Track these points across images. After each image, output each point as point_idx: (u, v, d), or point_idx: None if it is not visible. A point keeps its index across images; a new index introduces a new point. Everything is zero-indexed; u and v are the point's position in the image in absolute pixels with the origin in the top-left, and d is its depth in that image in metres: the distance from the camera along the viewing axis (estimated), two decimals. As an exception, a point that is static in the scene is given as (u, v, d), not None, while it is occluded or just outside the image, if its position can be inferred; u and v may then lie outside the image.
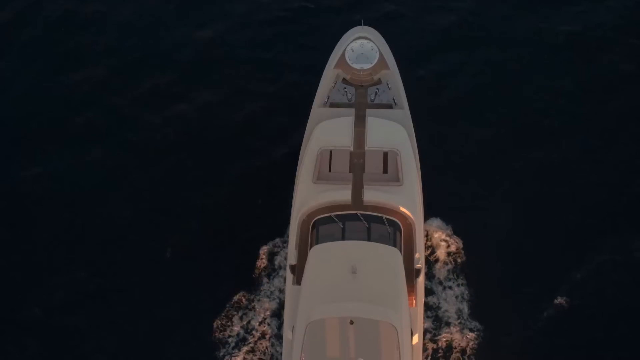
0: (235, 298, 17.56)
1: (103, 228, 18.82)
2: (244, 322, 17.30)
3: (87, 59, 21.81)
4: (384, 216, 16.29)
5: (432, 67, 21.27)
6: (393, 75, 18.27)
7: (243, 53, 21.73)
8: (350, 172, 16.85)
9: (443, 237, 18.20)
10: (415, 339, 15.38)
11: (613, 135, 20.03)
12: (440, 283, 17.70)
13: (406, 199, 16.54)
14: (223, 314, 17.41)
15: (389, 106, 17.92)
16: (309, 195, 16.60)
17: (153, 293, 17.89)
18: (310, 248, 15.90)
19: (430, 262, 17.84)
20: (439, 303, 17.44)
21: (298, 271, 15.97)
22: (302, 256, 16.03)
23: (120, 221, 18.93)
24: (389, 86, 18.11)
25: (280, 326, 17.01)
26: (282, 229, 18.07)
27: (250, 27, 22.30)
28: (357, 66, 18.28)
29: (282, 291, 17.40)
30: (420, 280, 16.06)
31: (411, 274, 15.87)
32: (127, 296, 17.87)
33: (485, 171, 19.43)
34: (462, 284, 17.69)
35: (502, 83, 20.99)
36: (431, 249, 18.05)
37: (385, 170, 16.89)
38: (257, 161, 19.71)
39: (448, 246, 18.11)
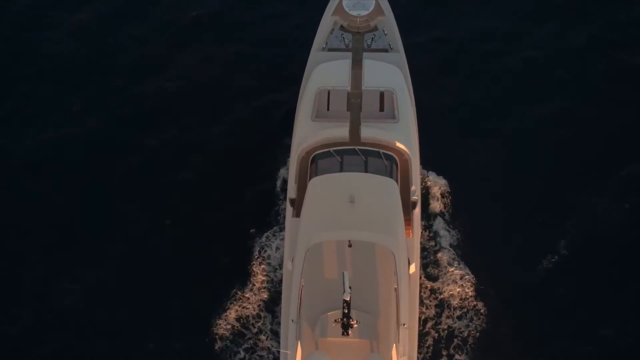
0: (233, 288, 17.40)
1: (95, 212, 18.67)
2: (240, 316, 17.14)
3: (79, 34, 21.68)
4: (381, 150, 16.72)
5: (431, 21, 21.60)
6: (389, 22, 18.72)
7: (240, 8, 21.95)
8: (347, 110, 17.30)
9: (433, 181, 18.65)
10: (412, 268, 15.74)
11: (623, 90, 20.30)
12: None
13: (402, 135, 16.98)
14: (219, 307, 17.18)
15: (385, 51, 18.38)
16: (308, 132, 17.02)
17: (148, 283, 17.62)
18: (309, 181, 16.32)
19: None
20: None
21: (297, 204, 16.37)
22: (302, 190, 16.42)
23: (113, 200, 18.76)
24: (385, 32, 18.55)
25: (273, 321, 17.07)
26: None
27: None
28: (354, 13, 18.72)
29: (274, 282, 17.46)
30: (417, 212, 16.48)
31: (408, 206, 16.28)
32: (121, 284, 17.63)
33: (482, 127, 19.74)
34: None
35: (503, 40, 21.21)
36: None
37: (381, 109, 17.32)
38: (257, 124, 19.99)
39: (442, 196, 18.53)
